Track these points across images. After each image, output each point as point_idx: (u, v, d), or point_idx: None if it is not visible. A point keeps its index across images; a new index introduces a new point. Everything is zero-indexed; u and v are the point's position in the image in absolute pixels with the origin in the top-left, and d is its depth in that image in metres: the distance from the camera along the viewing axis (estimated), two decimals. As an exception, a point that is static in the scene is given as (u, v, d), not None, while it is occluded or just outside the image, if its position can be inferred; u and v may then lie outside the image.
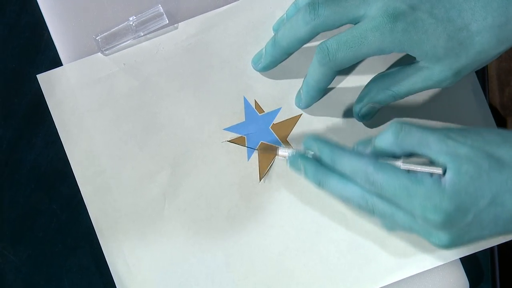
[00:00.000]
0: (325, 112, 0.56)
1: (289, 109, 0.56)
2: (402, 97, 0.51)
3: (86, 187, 0.55)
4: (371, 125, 0.56)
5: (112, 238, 0.55)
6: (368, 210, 0.46)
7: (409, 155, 0.46)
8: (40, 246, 0.57)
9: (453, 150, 0.43)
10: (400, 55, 0.55)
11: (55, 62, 0.56)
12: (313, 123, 0.56)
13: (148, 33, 0.56)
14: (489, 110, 0.57)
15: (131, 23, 0.55)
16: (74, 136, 0.55)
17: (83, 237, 0.56)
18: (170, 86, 0.56)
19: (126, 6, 0.56)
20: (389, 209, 0.45)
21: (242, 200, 0.55)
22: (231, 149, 0.55)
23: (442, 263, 0.55)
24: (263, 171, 0.55)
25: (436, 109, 0.56)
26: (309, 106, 0.55)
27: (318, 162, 0.48)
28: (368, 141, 0.48)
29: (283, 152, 0.52)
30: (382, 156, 0.46)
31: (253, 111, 0.56)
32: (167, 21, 0.56)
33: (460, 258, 0.56)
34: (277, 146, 0.55)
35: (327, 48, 0.48)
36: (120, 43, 0.56)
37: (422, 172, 0.44)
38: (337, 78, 0.56)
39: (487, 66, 0.56)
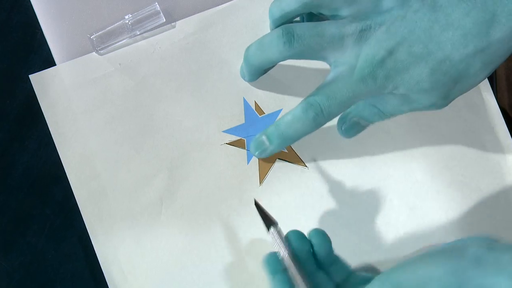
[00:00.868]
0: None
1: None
2: (388, 117, 0.50)
3: (80, 191, 0.54)
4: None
5: (107, 244, 0.54)
6: None
7: None
8: (33, 252, 0.56)
9: None
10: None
11: (48, 62, 0.56)
12: None
13: (145, 32, 0.56)
14: (499, 111, 0.56)
15: (127, 21, 0.55)
16: (68, 138, 0.55)
17: (77, 243, 0.56)
18: (167, 86, 0.55)
19: (121, 4, 0.56)
20: None
21: (241, 204, 0.54)
22: (230, 152, 0.55)
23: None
24: (264, 175, 0.55)
25: (444, 111, 0.54)
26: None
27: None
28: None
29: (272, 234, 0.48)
30: None
31: (253, 112, 0.55)
32: (164, 20, 0.55)
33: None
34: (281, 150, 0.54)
35: (319, 106, 0.47)
36: (116, 42, 0.55)
37: None
38: None
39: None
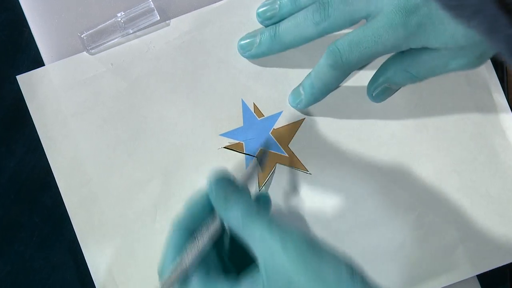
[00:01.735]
0: (329, 116, 0.56)
1: (291, 113, 0.55)
2: (421, 80, 0.50)
3: (70, 197, 0.54)
4: (383, 120, 0.55)
5: (98, 253, 0.54)
6: None
7: None
8: (21, 261, 0.56)
9: (275, 274, 0.41)
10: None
11: (37, 62, 0.56)
12: (317, 128, 0.55)
13: (138, 31, 0.55)
14: (511, 113, 0.56)
15: (119, 19, 0.55)
16: (57, 142, 0.55)
17: (67, 252, 0.56)
18: (161, 87, 0.55)
19: (114, 1, 0.56)
20: None
21: None
22: (228, 156, 0.55)
23: (458, 280, 0.55)
24: (263, 180, 0.55)
25: (453, 108, 0.56)
26: (308, 107, 0.55)
27: None
28: (226, 193, 0.45)
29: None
30: None
31: (251, 115, 0.55)
32: (158, 18, 0.55)
33: (477, 275, 0.56)
34: (278, 153, 0.55)
35: (339, 51, 0.48)
36: (107, 41, 0.55)
37: None
38: None
39: (505, 63, 0.56)
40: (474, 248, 0.54)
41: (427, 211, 0.55)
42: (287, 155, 0.55)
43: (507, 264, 0.55)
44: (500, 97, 0.56)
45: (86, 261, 0.54)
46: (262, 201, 0.49)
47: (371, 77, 0.53)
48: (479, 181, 0.55)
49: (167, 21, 0.55)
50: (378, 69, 0.52)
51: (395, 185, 0.55)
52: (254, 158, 0.53)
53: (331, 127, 0.55)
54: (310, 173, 0.54)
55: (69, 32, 0.55)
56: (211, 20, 0.55)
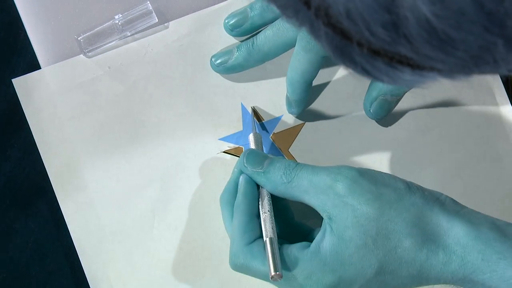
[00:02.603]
0: (329, 119, 0.56)
1: (291, 117, 0.56)
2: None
3: (67, 203, 0.54)
4: (385, 124, 0.55)
5: (95, 259, 0.54)
6: None
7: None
8: (16, 268, 0.56)
9: (338, 210, 0.44)
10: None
11: (33, 65, 0.56)
12: (318, 132, 0.56)
13: (136, 33, 0.56)
14: None
15: (117, 22, 0.55)
16: (54, 147, 0.55)
17: (63, 259, 0.56)
18: (159, 91, 0.55)
19: (111, 3, 0.56)
20: None
21: None
22: (228, 161, 0.55)
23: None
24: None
25: (456, 112, 0.56)
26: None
27: None
28: (258, 162, 0.48)
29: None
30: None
31: (251, 119, 0.55)
32: (157, 20, 0.55)
33: None
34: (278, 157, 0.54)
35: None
36: (105, 44, 0.55)
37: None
38: (340, 81, 0.55)
39: None
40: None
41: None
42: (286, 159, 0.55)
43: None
44: (503, 101, 0.56)
45: (83, 267, 0.54)
46: None
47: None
48: (482, 186, 0.55)
49: (165, 24, 0.56)
50: (370, 83, 0.52)
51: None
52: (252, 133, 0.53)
53: (331, 131, 0.55)
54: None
55: (66, 34, 0.56)
56: (210, 23, 0.56)
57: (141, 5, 0.55)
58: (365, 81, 0.54)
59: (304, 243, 0.46)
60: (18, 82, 0.55)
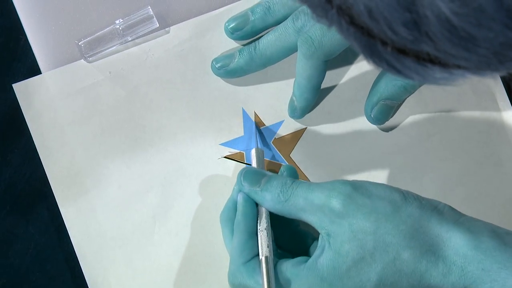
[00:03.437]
0: (331, 124, 0.56)
1: (293, 122, 0.56)
2: (415, 88, 0.50)
3: (68, 208, 0.54)
4: (386, 129, 0.55)
5: (96, 265, 0.54)
6: None
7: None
8: (17, 274, 0.56)
9: (335, 226, 0.44)
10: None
11: (33, 70, 0.56)
12: (319, 137, 0.56)
13: (137, 38, 0.56)
14: None
15: (118, 26, 0.55)
16: (54, 152, 0.55)
17: (64, 264, 0.56)
18: (160, 96, 0.55)
19: (112, 8, 0.56)
20: None
21: None
22: (229, 166, 0.55)
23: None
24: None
25: (458, 117, 0.56)
26: (305, 113, 0.55)
27: None
28: (255, 180, 0.48)
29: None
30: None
31: (252, 124, 0.56)
32: (158, 25, 0.55)
33: None
34: (280, 163, 0.55)
35: (311, 38, 0.49)
36: (106, 49, 0.55)
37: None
38: (341, 86, 0.56)
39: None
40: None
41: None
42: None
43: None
44: (505, 106, 0.56)
45: (84, 273, 0.54)
46: (288, 174, 0.50)
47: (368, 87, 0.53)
48: (485, 191, 0.55)
49: (166, 29, 0.56)
50: (370, 88, 0.53)
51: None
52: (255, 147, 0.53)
53: (333, 137, 0.55)
54: (312, 184, 0.55)
55: (67, 39, 0.56)
56: (211, 27, 0.56)
57: (142, 10, 0.55)
58: (367, 86, 0.55)
59: (301, 258, 0.46)
60: (19, 87, 0.55)
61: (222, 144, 0.55)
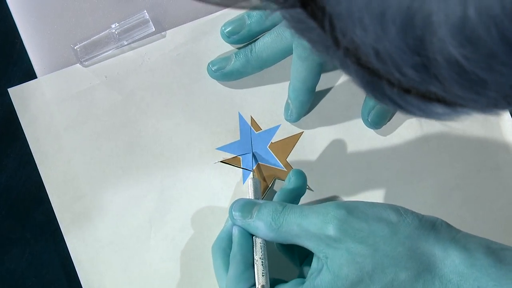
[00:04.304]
0: (328, 128, 0.56)
1: (289, 127, 0.56)
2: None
3: (63, 213, 0.55)
4: (383, 133, 0.55)
5: (92, 270, 0.54)
6: None
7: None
8: (12, 279, 0.56)
9: (332, 250, 0.44)
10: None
11: (29, 74, 0.56)
12: (316, 141, 0.56)
13: (132, 42, 0.56)
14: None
15: (114, 31, 0.55)
16: (50, 156, 0.55)
17: (60, 270, 0.56)
18: (156, 100, 0.56)
19: (107, 12, 0.56)
20: None
21: None
22: (225, 171, 0.55)
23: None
24: (261, 196, 0.54)
25: (455, 123, 0.54)
26: (301, 116, 0.55)
27: None
28: (246, 212, 0.48)
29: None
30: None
31: (249, 128, 0.56)
32: (154, 29, 0.56)
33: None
34: (277, 167, 0.55)
35: None
36: (101, 53, 0.56)
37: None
38: (338, 90, 0.55)
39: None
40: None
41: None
42: (285, 169, 0.55)
43: (511, 281, 0.55)
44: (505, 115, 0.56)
45: (79, 278, 0.54)
46: (296, 178, 0.50)
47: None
48: (482, 195, 0.55)
49: (162, 33, 0.56)
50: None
51: (397, 200, 0.53)
52: (250, 177, 0.53)
53: (330, 141, 0.55)
54: (313, 190, 0.54)
55: (62, 43, 0.56)
56: (207, 32, 0.56)
57: (138, 14, 0.55)
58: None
59: (296, 280, 0.46)
60: (14, 92, 0.55)
61: (218, 149, 0.55)
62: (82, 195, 0.54)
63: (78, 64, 0.55)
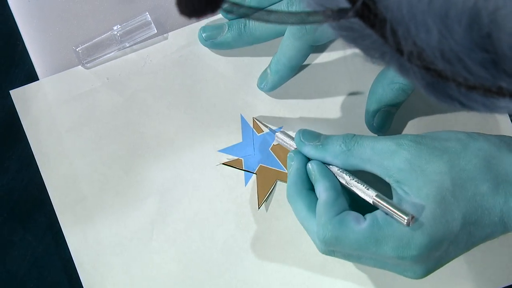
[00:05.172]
0: (329, 130, 0.54)
1: (292, 129, 0.55)
2: (412, 90, 0.50)
3: (65, 215, 0.55)
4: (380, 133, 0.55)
5: (93, 272, 0.54)
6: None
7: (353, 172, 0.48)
8: (14, 281, 0.56)
9: (404, 174, 0.44)
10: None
11: (31, 76, 0.56)
12: None
13: (134, 44, 0.56)
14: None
15: (116, 32, 0.55)
16: (52, 158, 0.55)
17: (61, 272, 0.56)
18: (158, 103, 0.56)
19: (109, 14, 0.56)
20: (356, 259, 0.47)
21: (239, 230, 0.55)
22: (227, 173, 0.55)
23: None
24: (262, 198, 0.55)
25: (455, 125, 0.56)
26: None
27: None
28: (314, 136, 0.49)
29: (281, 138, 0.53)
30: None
31: (251, 130, 0.56)
32: (156, 31, 0.56)
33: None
34: (279, 170, 0.55)
35: None
36: (103, 55, 0.56)
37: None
38: (340, 91, 0.56)
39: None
40: (478, 268, 0.54)
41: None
42: (287, 171, 0.54)
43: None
44: (503, 115, 0.56)
45: (81, 280, 0.54)
46: (305, 135, 0.51)
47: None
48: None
49: (164, 35, 0.56)
50: (367, 97, 0.53)
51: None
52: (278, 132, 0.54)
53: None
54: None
55: (64, 45, 0.56)
56: (209, 33, 0.56)
57: (140, 16, 0.55)
58: (365, 92, 0.55)
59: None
60: (16, 94, 0.55)
61: (220, 151, 0.55)
62: (83, 197, 0.54)
63: (80, 66, 0.55)
